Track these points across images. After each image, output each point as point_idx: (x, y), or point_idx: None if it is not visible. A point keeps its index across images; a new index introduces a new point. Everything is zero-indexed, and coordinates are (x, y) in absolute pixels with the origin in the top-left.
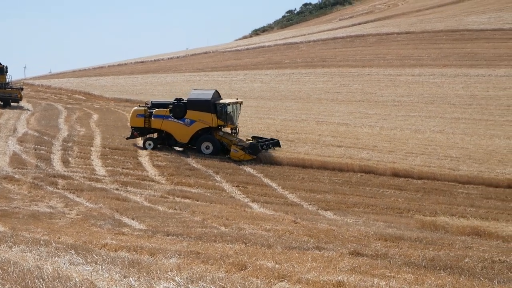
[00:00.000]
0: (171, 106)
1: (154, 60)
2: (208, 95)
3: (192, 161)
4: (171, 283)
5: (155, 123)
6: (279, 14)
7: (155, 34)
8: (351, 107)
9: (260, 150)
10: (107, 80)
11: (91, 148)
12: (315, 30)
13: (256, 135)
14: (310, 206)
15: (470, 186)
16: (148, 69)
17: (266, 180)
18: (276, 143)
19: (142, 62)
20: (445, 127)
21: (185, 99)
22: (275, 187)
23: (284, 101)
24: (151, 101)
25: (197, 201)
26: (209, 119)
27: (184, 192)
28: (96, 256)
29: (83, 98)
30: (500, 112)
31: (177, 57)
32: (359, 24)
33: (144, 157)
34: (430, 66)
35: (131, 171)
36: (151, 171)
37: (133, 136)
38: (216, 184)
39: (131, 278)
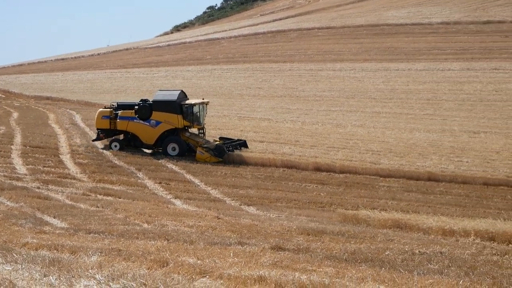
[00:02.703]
0: (136, 107)
1: (75, 57)
2: (173, 95)
3: (114, 158)
4: (92, 280)
5: (121, 124)
6: (200, 10)
7: (76, 30)
8: (273, 102)
9: (226, 152)
10: (27, 77)
11: (11, 146)
12: (236, 25)
13: (223, 136)
14: (233, 201)
15: (391, 179)
16: (69, 66)
17: (188, 176)
18: (243, 144)
19: (62, 59)
20: (366, 121)
21: (150, 99)
22: (198, 183)
23: (206, 97)
24: (117, 103)
25: (120, 198)
26: (175, 120)
27: (106, 190)
28: (16, 255)
29: (3, 96)
30: (420, 105)
31: (98, 54)
32: (280, 19)
33: (65, 155)
34: (351, 61)
35: (53, 169)
36: (73, 169)
37: (99, 138)
38: (139, 181)
39: (51, 277)
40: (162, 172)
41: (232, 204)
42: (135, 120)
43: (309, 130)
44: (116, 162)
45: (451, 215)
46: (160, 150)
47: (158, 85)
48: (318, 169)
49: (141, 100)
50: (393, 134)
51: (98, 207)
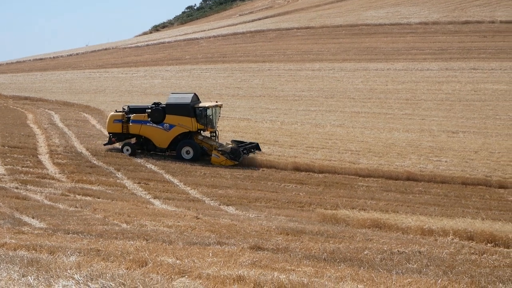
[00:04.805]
0: (149, 111)
1: (53, 57)
2: (187, 98)
3: (93, 159)
4: (70, 281)
5: (133, 128)
6: (179, 9)
7: (54, 30)
8: (252, 102)
9: (242, 155)
10: (5, 77)
11: None
12: (215, 25)
13: (235, 139)
14: (212, 201)
15: (370, 179)
16: (47, 66)
17: (167, 176)
18: (256, 147)
19: (41, 59)
20: (345, 121)
21: (163, 103)
22: (177, 183)
23: None
24: (129, 106)
25: (99, 198)
26: (188, 123)
27: (85, 190)
28: None
29: None
30: (398, 105)
31: (77, 54)
32: (259, 19)
33: (44, 155)
34: (330, 61)
35: (31, 169)
36: (52, 169)
37: (110, 142)
38: (118, 181)
39: (29, 277)
40: (141, 172)
41: (211, 204)
42: (148, 124)
43: (288, 130)
44: (95, 162)
45: (430, 215)
46: (174, 154)
47: (137, 85)
48: (297, 169)
49: (154, 104)
50: (372, 134)
51: (77, 207)
